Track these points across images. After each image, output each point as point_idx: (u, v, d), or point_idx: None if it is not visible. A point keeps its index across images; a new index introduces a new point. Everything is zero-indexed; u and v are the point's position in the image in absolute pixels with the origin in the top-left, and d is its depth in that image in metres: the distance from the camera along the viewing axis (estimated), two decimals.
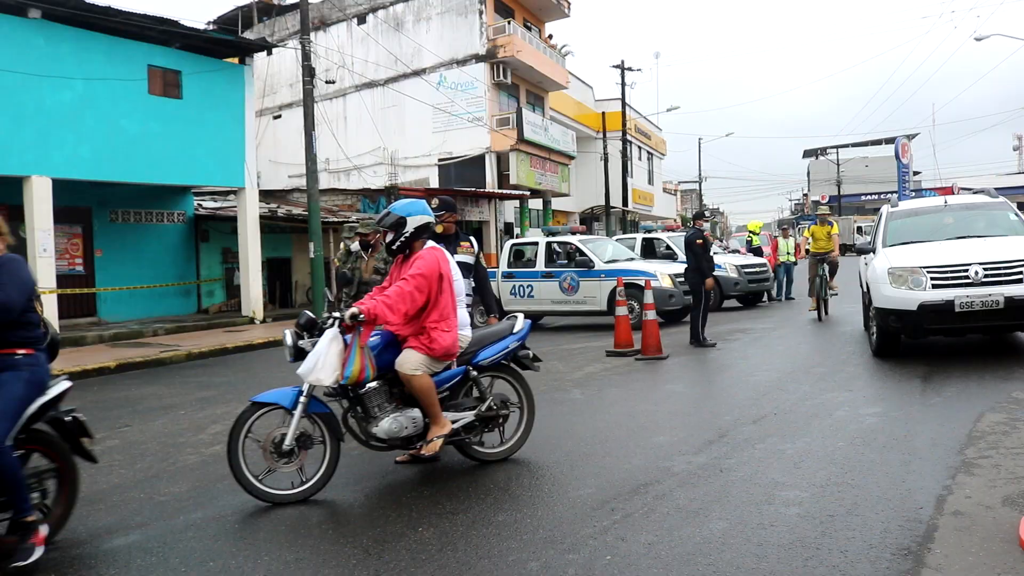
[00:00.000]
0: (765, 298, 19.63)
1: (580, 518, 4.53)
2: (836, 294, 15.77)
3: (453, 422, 5.49)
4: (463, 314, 5.68)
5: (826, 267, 14.68)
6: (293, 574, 3.99)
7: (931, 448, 5.54)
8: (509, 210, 31.74)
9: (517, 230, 31.37)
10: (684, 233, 15.02)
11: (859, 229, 53.53)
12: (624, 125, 39.05)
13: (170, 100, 17.60)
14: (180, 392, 10.12)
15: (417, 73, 29.15)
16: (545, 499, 4.94)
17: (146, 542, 4.60)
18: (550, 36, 34.42)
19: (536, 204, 34.29)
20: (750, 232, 27.71)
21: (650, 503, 4.72)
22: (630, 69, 39.12)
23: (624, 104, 39.20)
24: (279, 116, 32.33)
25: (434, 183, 28.66)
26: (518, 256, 16.39)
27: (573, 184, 35.62)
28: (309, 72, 18.67)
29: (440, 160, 29.27)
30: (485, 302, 7.34)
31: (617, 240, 19.26)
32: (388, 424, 5.29)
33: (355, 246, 8.38)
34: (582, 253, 15.12)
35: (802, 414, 6.84)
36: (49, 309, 13.76)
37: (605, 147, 37.86)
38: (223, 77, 18.74)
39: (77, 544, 4.64)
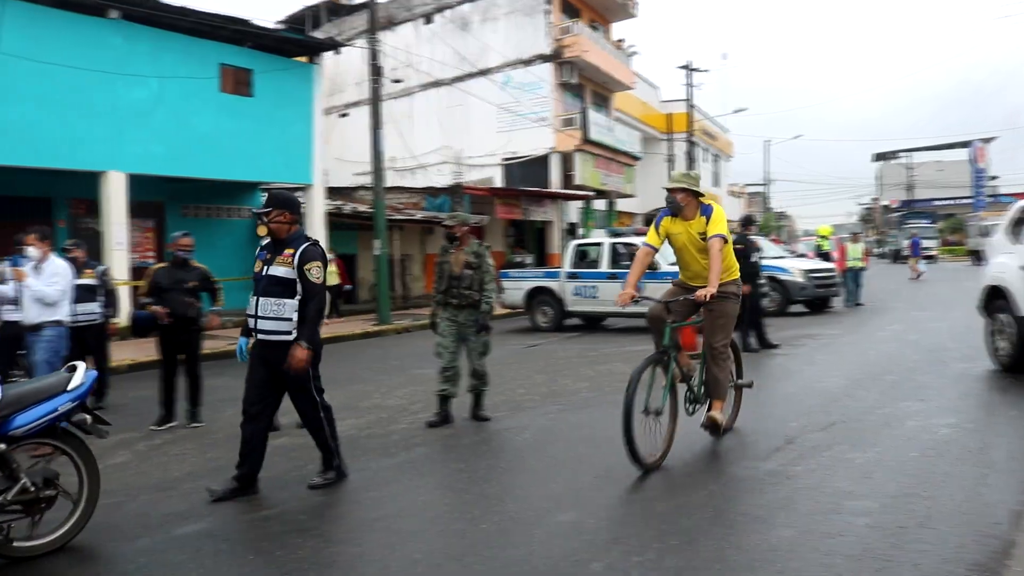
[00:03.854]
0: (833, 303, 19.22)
1: (644, 521, 4.50)
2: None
3: None
4: None
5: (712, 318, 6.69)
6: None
7: (1008, 462, 5.36)
8: (573, 210, 31.68)
9: (581, 231, 31.28)
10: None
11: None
12: (690, 126, 38.62)
13: (241, 98, 17.99)
14: None
15: (483, 73, 29.26)
16: (608, 501, 4.91)
17: (163, 544, 4.70)
18: (621, 40, 34.24)
19: (600, 205, 34.19)
20: (820, 237, 27.17)
21: (716, 508, 4.67)
22: (696, 70, 38.70)
23: (690, 105, 38.78)
24: (346, 114, 32.75)
25: (498, 183, 28.78)
26: (582, 256, 16.33)
27: (638, 185, 35.42)
28: (376, 71, 18.88)
29: (504, 160, 29.36)
30: (300, 323, 5.28)
31: None
32: None
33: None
34: None
35: (871, 423, 6.67)
36: (123, 299, 14.18)
37: (671, 148, 37.53)
38: (292, 76, 19.09)
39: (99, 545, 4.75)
